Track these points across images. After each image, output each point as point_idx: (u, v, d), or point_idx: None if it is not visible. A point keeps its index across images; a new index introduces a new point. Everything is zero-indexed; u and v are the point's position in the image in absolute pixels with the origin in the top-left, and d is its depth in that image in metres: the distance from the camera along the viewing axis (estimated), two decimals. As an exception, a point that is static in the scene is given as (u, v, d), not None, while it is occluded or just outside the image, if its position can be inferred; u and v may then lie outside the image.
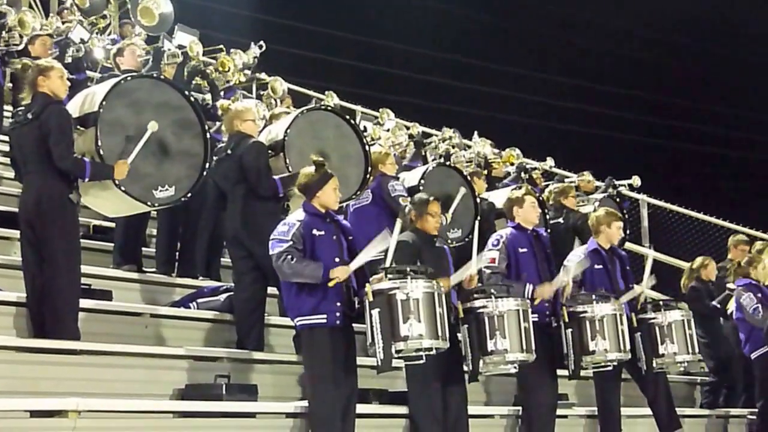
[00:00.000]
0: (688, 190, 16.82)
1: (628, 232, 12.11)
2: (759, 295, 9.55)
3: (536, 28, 22.73)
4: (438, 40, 22.10)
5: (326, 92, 12.56)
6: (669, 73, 22.92)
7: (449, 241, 8.83)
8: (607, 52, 23.11)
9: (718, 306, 10.37)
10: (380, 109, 12.80)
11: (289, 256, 6.26)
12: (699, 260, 10.71)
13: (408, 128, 11.52)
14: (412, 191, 8.68)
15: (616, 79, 22.68)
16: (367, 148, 7.99)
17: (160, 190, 6.91)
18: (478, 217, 9.48)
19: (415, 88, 21.55)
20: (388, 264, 6.32)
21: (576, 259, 8.06)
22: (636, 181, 13.41)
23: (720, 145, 23.21)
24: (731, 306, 9.93)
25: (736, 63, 22.90)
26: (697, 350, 8.27)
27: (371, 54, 21.66)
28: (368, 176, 7.97)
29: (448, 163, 10.29)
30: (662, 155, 22.51)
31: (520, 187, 8.52)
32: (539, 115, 22.19)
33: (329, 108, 8.47)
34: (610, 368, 7.71)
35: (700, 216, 14.09)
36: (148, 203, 6.93)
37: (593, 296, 7.57)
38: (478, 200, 9.65)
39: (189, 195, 7.09)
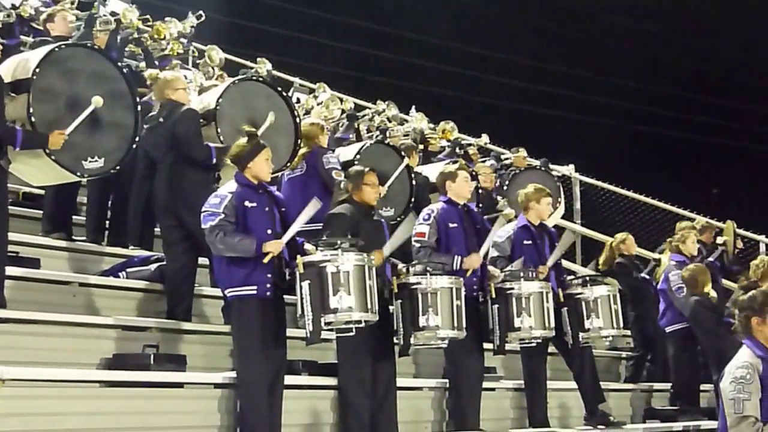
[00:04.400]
0: (619, 169, 17.05)
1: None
2: None
3: (475, 2, 22.78)
4: (377, 13, 22.07)
5: (258, 59, 12.45)
6: (606, 52, 23.13)
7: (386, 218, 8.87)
8: (545, 29, 23.28)
9: (647, 277, 10.61)
10: (317, 84, 12.77)
11: (221, 232, 6.24)
12: (618, 236, 10.94)
13: (341, 101, 11.52)
14: (346, 166, 8.69)
15: (553, 57, 22.86)
16: (297, 120, 8.02)
17: (90, 161, 6.90)
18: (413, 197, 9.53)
19: (352, 61, 21.51)
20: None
21: (505, 235, 8.18)
22: (571, 168, 13.59)
23: (652, 124, 23.55)
24: (659, 275, 10.17)
25: (675, 42, 23.23)
26: (622, 325, 8.44)
27: (302, 24, 21.55)
28: (298, 148, 7.99)
29: (386, 141, 10.30)
30: (596, 134, 22.75)
31: (455, 162, 8.59)
32: (475, 90, 22.28)
33: (261, 79, 8.46)
34: (534, 344, 7.84)
35: (631, 194, 14.31)
36: (78, 173, 6.93)
37: (520, 273, 7.67)
38: (414, 179, 9.67)
39: (118, 167, 7.10)
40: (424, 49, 22.40)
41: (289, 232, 6.34)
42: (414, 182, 9.59)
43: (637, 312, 10.56)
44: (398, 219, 9.30)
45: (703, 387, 9.94)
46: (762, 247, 13.42)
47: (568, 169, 13.56)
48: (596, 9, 23.15)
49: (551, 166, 12.60)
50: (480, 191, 10.52)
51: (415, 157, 10.15)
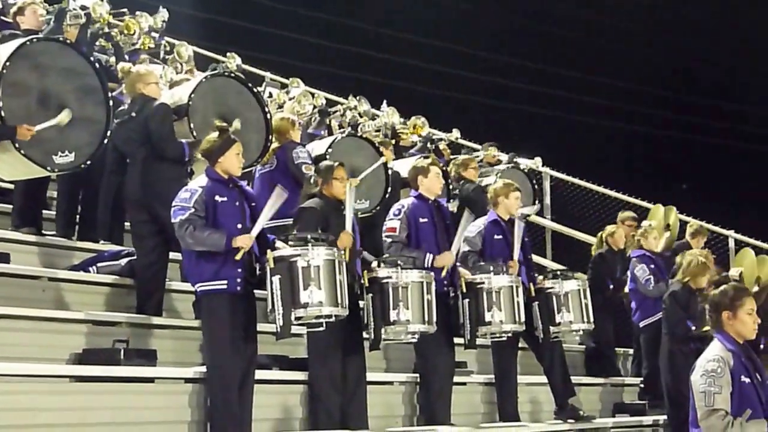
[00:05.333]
0: (590, 164, 17.13)
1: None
2: (652, 266, 9.89)
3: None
4: (349, 8, 22.06)
5: (227, 53, 12.43)
6: (576, 48, 23.21)
7: (356, 212, 8.88)
8: (515, 25, 23.33)
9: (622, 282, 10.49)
10: (290, 78, 12.76)
11: (191, 226, 6.24)
12: (609, 228, 10.93)
13: (313, 96, 11.52)
14: (318, 160, 8.70)
15: (524, 53, 22.91)
16: (268, 115, 8.03)
17: (60, 156, 6.90)
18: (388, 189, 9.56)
19: (325, 56, 21.48)
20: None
21: (476, 230, 8.22)
22: (537, 161, 13.64)
23: (623, 120, 23.67)
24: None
25: (646, 38, 23.35)
26: (592, 319, 8.49)
27: (279, 20, 21.49)
28: (269, 143, 8.00)
29: (359, 134, 10.30)
30: (567, 128, 22.83)
31: (426, 157, 8.63)
32: (446, 85, 22.30)
33: (233, 74, 8.46)
34: (504, 338, 7.88)
35: (601, 189, 14.37)
36: (48, 168, 6.93)
37: (491, 267, 7.71)
38: (389, 171, 9.68)
39: (88, 162, 7.09)
40: (395, 44, 22.39)
41: (258, 224, 6.34)
42: (389, 174, 9.60)
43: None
44: (373, 211, 9.33)
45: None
46: (731, 242, 13.48)
47: (535, 163, 13.59)
48: (566, 4, 23.25)
49: (518, 160, 12.62)
50: (464, 183, 10.54)
51: (389, 151, 10.17)
